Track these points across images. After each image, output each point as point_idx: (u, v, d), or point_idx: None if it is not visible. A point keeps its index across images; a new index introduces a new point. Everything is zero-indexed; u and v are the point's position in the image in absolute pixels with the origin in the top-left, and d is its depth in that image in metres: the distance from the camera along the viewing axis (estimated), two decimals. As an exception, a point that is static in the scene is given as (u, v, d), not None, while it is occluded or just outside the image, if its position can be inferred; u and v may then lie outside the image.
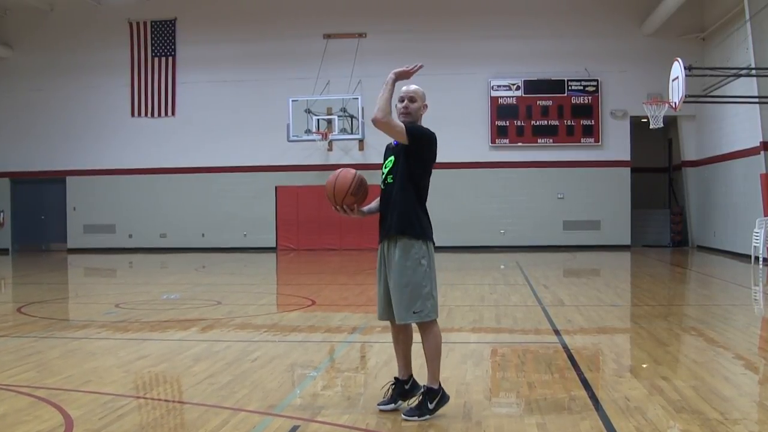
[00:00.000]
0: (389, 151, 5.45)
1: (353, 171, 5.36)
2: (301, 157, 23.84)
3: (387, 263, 5.29)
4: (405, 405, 5.36)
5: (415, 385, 5.40)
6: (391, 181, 5.28)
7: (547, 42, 23.56)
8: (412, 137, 5.18)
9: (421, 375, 5.46)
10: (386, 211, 5.31)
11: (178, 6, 25.01)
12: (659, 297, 12.60)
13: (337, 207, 5.32)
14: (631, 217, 23.76)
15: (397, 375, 5.47)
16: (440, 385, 5.26)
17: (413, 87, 5.39)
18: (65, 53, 25.29)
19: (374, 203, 5.45)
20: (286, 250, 24.33)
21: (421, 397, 5.25)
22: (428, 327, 5.23)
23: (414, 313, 5.13)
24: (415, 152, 5.22)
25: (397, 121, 5.18)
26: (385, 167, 5.38)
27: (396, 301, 5.19)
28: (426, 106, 5.41)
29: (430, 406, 5.17)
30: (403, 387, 5.39)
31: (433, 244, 5.34)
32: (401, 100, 5.34)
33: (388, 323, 5.47)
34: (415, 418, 5.13)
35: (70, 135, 25.32)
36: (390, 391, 5.42)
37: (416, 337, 5.43)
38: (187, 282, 15.71)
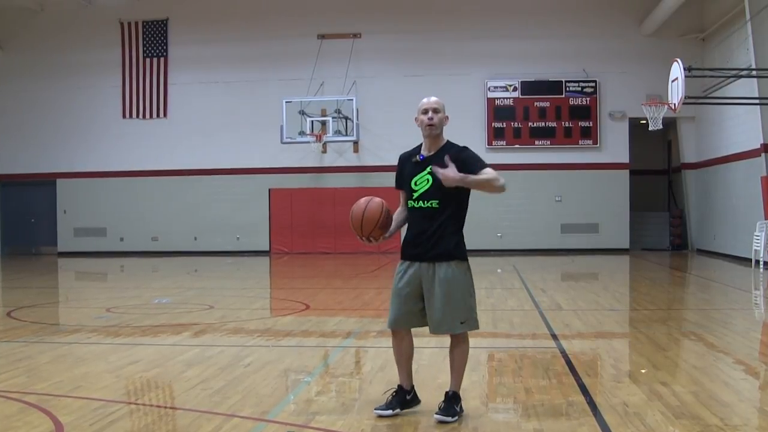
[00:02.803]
0: (417, 166, 5.27)
1: (380, 201, 5.25)
2: (295, 159, 23.67)
3: (430, 280, 5.21)
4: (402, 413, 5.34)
5: (415, 398, 5.42)
6: (437, 206, 5.18)
7: (544, 42, 23.46)
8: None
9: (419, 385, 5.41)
10: (427, 234, 5.20)
11: (169, 6, 24.89)
12: (658, 301, 12.57)
13: (363, 238, 5.26)
14: (630, 220, 23.66)
15: (399, 383, 5.45)
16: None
17: (435, 98, 5.29)
18: (55, 53, 25.10)
19: (393, 225, 5.33)
20: (279, 254, 24.20)
21: (448, 401, 5.25)
22: (465, 337, 5.33)
23: (461, 323, 5.23)
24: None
25: (499, 179, 5.05)
26: (418, 186, 5.23)
27: (446, 314, 5.19)
28: (447, 117, 5.32)
29: (458, 409, 5.23)
30: (404, 396, 5.38)
31: None
32: (425, 111, 5.23)
33: (383, 328, 5.43)
34: (449, 419, 5.14)
35: (60, 136, 25.17)
36: (391, 397, 5.40)
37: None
38: (179, 286, 15.59)
